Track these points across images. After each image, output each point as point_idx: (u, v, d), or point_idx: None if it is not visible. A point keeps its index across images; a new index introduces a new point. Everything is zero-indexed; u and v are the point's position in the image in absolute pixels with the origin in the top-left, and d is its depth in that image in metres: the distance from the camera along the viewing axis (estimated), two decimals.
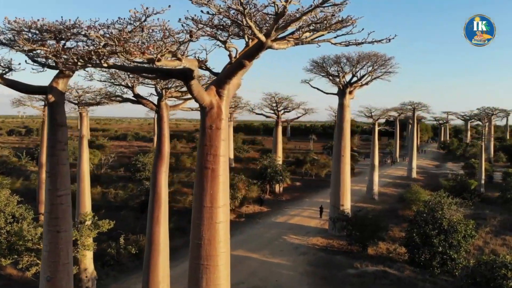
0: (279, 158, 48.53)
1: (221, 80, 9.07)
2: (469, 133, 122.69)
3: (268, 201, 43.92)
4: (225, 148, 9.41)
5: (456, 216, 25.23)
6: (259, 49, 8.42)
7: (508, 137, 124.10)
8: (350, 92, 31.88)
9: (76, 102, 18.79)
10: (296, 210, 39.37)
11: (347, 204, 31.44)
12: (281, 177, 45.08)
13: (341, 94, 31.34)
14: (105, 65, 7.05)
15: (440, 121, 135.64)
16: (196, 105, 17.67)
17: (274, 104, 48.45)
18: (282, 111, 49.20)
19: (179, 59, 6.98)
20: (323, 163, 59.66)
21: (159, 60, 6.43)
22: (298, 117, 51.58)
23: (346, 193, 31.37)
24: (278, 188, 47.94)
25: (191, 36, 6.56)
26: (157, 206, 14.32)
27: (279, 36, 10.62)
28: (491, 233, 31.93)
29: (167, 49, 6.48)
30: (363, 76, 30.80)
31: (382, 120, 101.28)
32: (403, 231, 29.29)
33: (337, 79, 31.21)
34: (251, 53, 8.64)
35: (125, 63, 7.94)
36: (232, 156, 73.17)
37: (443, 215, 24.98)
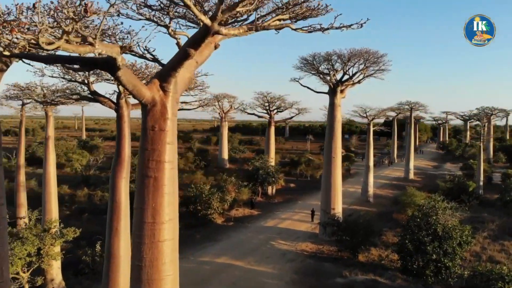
0: (272, 159, 47.18)
1: (165, 73, 7.69)
2: (468, 133, 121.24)
3: (259, 203, 42.58)
4: (172, 152, 8.03)
5: (452, 222, 23.84)
6: (204, 35, 7.06)
7: (508, 137, 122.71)
8: (342, 91, 30.50)
9: (41, 100, 17.42)
10: (287, 213, 38.00)
11: (338, 208, 30.05)
12: (273, 179, 43.73)
13: (332, 93, 29.94)
14: (6, 53, 5.70)
15: (439, 121, 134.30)
16: None
17: (267, 104, 47.05)
18: (275, 111, 47.81)
19: (91, 44, 5.62)
20: (318, 164, 58.27)
21: (51, 43, 5.05)
22: (292, 117, 50.24)
23: (337, 196, 29.99)
24: (270, 190, 46.59)
25: (85, 11, 5.17)
26: (116, 216, 12.97)
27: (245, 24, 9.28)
28: (489, 238, 30.57)
29: (61, 27, 5.11)
30: (355, 74, 29.44)
31: (381, 120, 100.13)
32: (397, 236, 27.90)
33: (328, 78, 29.85)
34: (196, 40, 7.27)
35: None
36: (226, 157, 71.95)
37: (438, 220, 23.60)
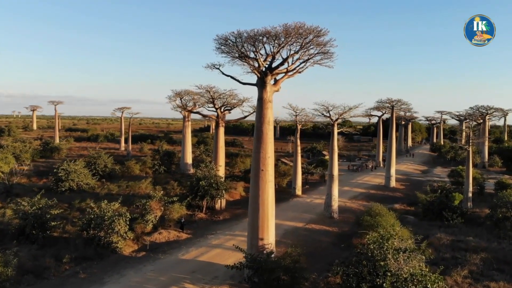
0: (221, 166, 39.59)
1: None
2: (464, 134, 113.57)
3: (199, 221, 35.08)
4: None
5: (408, 268, 16.35)
6: None
7: (506, 138, 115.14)
8: (276, 83, 23.02)
9: None
10: (223, 236, 30.45)
11: (268, 238, 22.51)
12: (216, 191, 36.17)
13: (261, 84, 22.43)
14: None
15: (433, 121, 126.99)
16: None
17: (212, 101, 39.52)
18: (223, 109, 40.24)
19: None
20: (284, 171, 50.73)
21: None
22: (245, 117, 42.65)
23: (267, 222, 22.45)
24: (219, 203, 39.08)
25: None
26: None
27: None
28: (471, 277, 23.03)
29: None
30: (287, 58, 21.88)
31: (375, 120, 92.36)
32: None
33: (256, 64, 22.32)
34: None
35: None
36: (190, 161, 64.46)
37: (387, 267, 16.15)
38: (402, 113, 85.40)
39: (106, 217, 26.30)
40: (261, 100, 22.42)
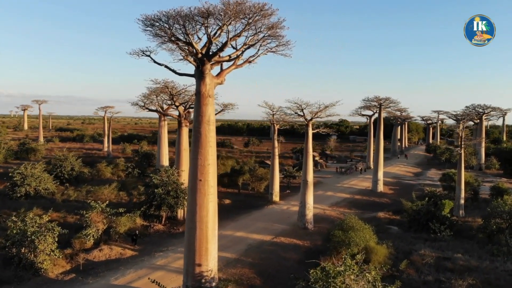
0: (183, 171, 35.54)
1: None
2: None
3: (154, 234, 31.07)
4: None
5: None
6: None
7: (504, 139, 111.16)
8: (219, 74, 19.02)
9: None
10: (172, 254, 26.27)
11: (208, 264, 18.44)
12: (175, 200, 32.16)
13: (199, 75, 18.39)
14: None
15: (429, 121, 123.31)
16: None
17: (171, 97, 35.51)
18: (187, 107, 36.20)
19: None
20: (261, 175, 46.65)
21: None
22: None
23: (206, 244, 18.39)
24: (181, 213, 35.03)
25: None
26: None
27: None
28: None
29: None
30: (226, 42, 17.81)
31: (363, 119, 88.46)
32: None
33: (194, 50, 18.28)
34: None
35: None
36: (166, 163, 60.26)
37: None
38: (398, 112, 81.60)
39: (28, 233, 22.32)
40: (199, 94, 18.38)
